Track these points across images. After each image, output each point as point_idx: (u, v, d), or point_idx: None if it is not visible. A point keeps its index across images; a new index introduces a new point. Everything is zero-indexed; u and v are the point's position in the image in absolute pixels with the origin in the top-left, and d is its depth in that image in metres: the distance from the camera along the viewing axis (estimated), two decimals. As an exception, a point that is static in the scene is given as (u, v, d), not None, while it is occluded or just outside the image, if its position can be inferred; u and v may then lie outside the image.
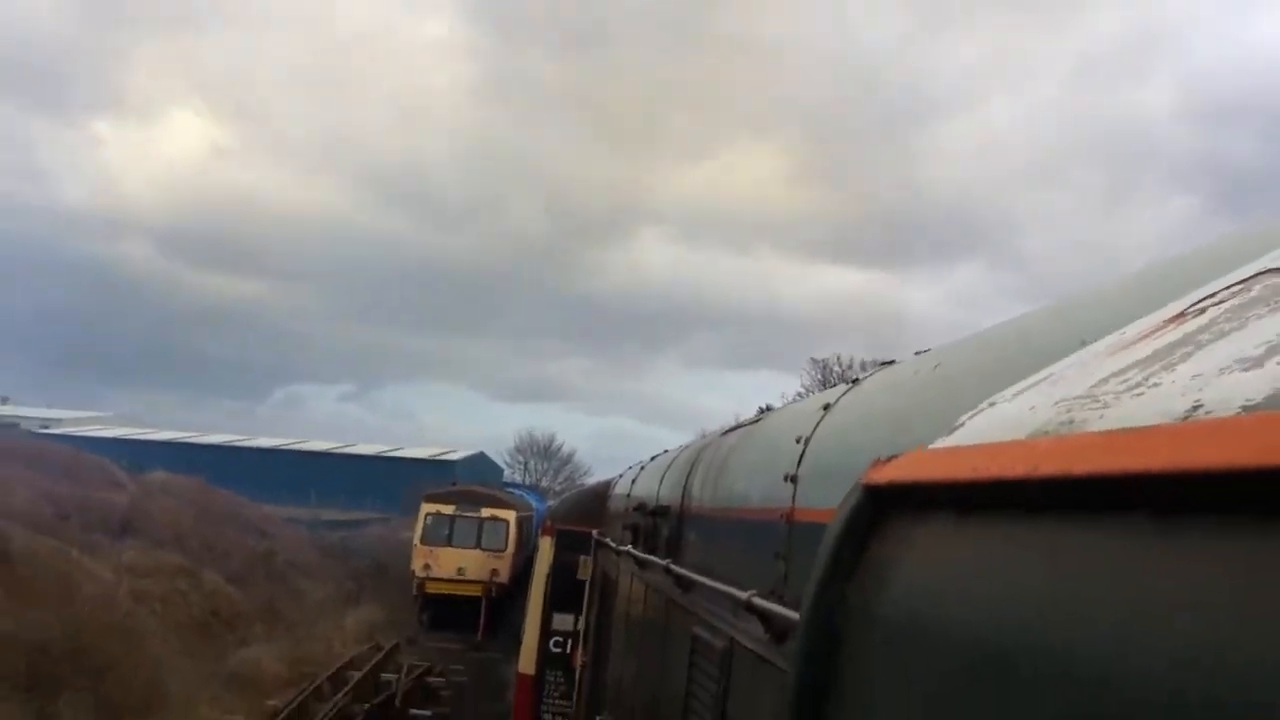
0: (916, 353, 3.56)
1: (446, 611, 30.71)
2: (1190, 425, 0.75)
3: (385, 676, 22.12)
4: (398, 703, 20.67)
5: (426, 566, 31.22)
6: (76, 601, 17.72)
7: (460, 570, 30.99)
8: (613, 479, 11.86)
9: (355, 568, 36.59)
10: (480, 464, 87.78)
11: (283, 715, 17.89)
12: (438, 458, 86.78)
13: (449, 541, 31.36)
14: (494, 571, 31.18)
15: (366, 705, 19.76)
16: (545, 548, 13.20)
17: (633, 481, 8.72)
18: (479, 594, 30.71)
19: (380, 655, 24.14)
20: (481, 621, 30.07)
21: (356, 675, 21.43)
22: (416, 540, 31.95)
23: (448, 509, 31.97)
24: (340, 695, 19.50)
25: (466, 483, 40.43)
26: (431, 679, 23.08)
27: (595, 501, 11.66)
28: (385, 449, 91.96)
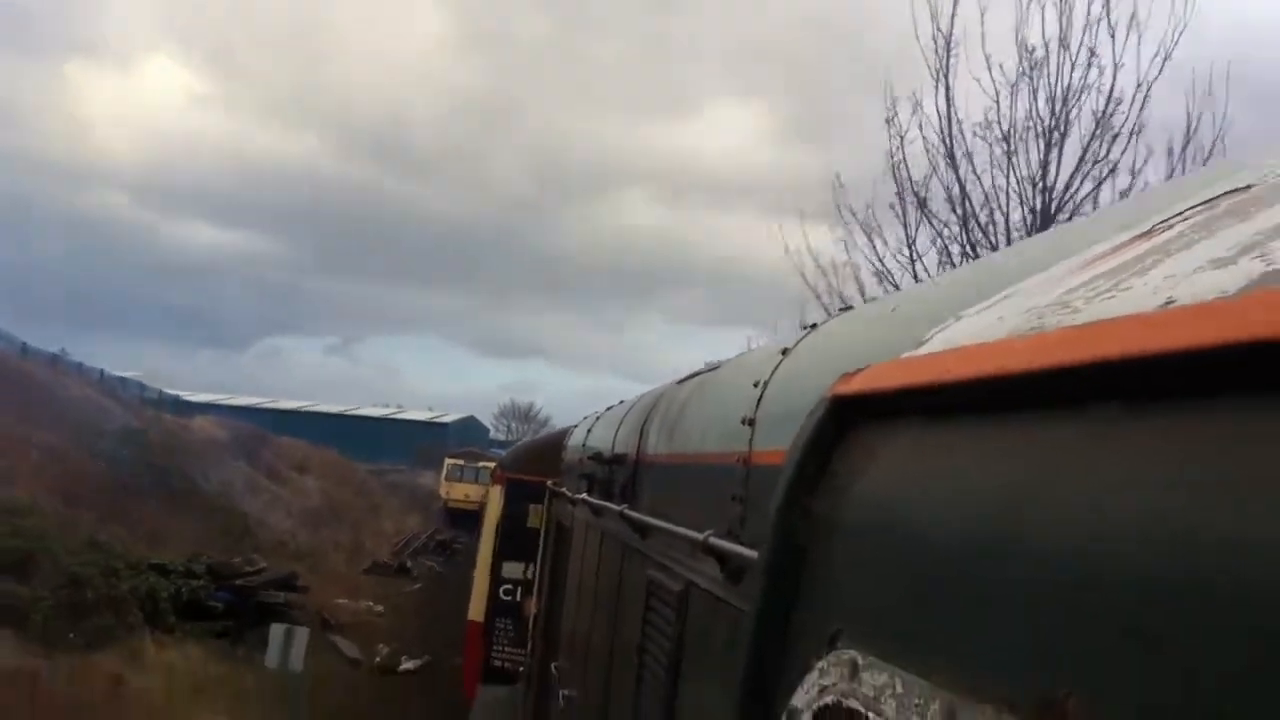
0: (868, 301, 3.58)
1: (458, 518, 50.79)
2: (1167, 311, 0.75)
3: (439, 535, 47.86)
4: (445, 539, 46.52)
5: (447, 493, 54.59)
6: (313, 499, 43.27)
7: (466, 495, 51.35)
8: (568, 428, 11.82)
9: (402, 496, 61.66)
10: (470, 426, 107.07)
11: (400, 543, 44.07)
12: (433, 420, 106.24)
13: (460, 479, 53.91)
14: (484, 495, 47.33)
15: (435, 542, 46.30)
16: (495, 496, 13.06)
17: (588, 431, 8.71)
18: (476, 509, 51.54)
19: (430, 531, 49.62)
20: (478, 524, 46.54)
21: (425, 533, 47.96)
22: (443, 478, 55.83)
23: (460, 461, 55.80)
24: (422, 539, 46.28)
25: (458, 441, 77.98)
26: (456, 539, 45.99)
27: (548, 452, 11.55)
28: (389, 411, 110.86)
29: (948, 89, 14.12)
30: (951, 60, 14.02)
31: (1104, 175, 13.54)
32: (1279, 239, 0.86)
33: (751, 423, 3.45)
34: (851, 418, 1.16)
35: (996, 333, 1.05)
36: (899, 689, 0.96)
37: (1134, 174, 13.28)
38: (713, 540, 3.30)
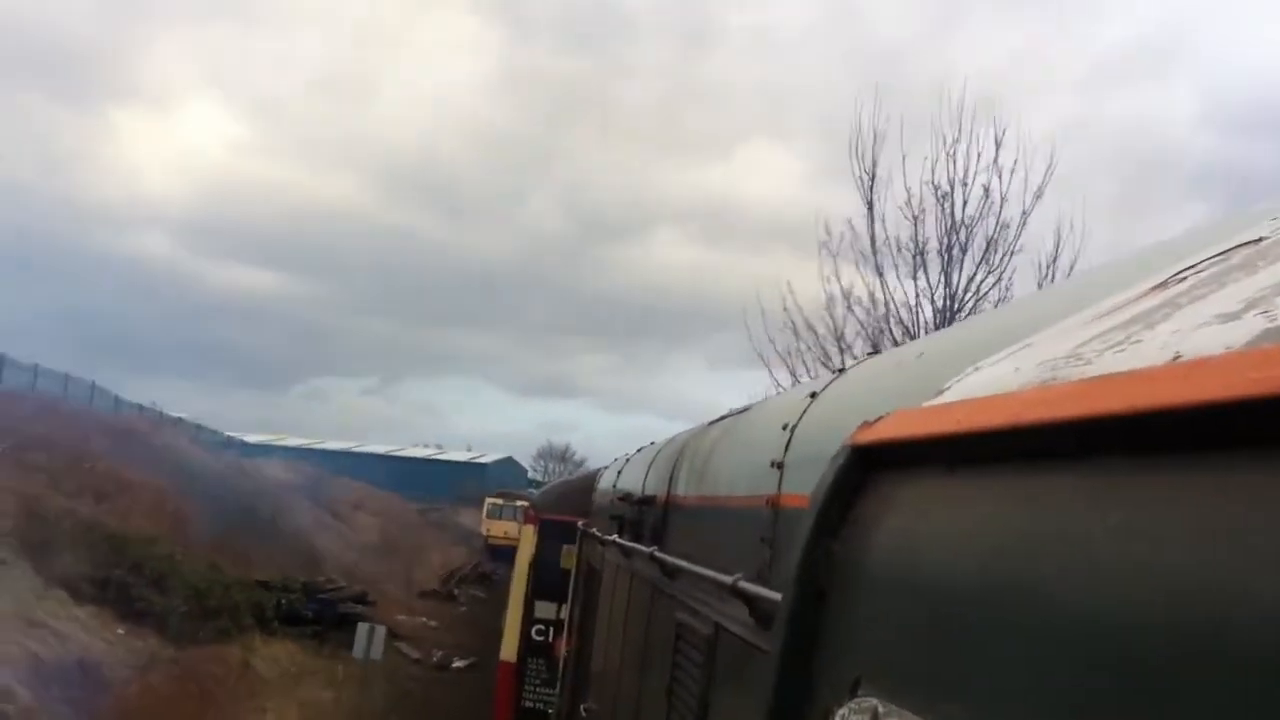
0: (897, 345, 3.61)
1: (499, 552, 53.24)
2: (1170, 366, 0.77)
3: (481, 568, 52.31)
4: (486, 571, 50.76)
5: (489, 530, 59.54)
6: (371, 534, 50.67)
7: (505, 532, 53.98)
8: (599, 470, 11.80)
9: (447, 533, 67.88)
10: (509, 466, 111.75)
11: (447, 573, 49.12)
12: (473, 460, 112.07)
13: (500, 517, 58.29)
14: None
15: (478, 573, 51.02)
16: (528, 536, 12.98)
17: (619, 473, 8.73)
18: (515, 544, 53.21)
19: (474, 562, 54.77)
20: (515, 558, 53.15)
21: (469, 566, 53.01)
22: (484, 516, 61.77)
23: (499, 501, 61.46)
24: (467, 570, 51.24)
25: (497, 480, 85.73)
26: (496, 571, 48.67)
27: (580, 492, 11.49)
28: (430, 452, 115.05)
29: (872, 214, 18.23)
30: (875, 193, 18.11)
31: (989, 289, 17.51)
32: None
33: (780, 466, 3.46)
34: (872, 465, 1.18)
35: (1012, 383, 1.07)
36: (918, 736, 0.97)
37: (1005, 289, 17.21)
38: (741, 584, 3.30)
